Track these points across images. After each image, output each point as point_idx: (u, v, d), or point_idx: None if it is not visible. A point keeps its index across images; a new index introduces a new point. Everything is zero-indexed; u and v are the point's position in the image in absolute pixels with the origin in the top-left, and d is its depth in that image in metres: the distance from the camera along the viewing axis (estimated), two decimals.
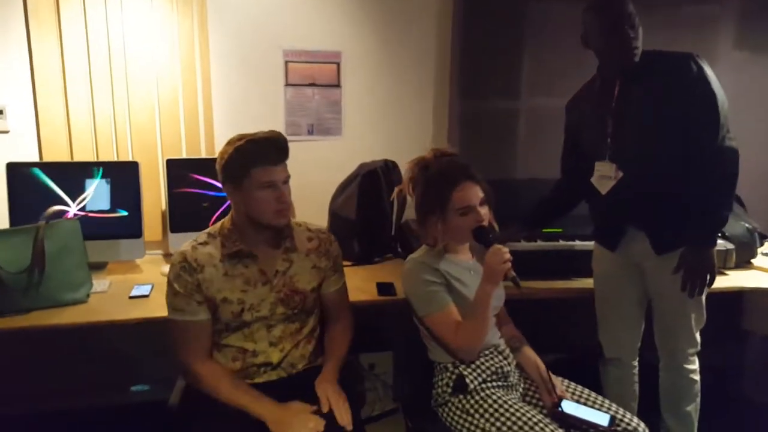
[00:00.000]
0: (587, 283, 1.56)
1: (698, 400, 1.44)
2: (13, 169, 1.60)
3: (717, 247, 1.29)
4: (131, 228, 1.68)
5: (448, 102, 2.07)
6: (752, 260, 1.79)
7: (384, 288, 1.53)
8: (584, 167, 1.41)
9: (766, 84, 2.15)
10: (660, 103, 1.26)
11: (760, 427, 1.84)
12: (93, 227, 1.61)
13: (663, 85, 1.25)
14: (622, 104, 1.31)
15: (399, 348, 1.69)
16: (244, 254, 1.15)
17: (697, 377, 1.42)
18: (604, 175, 1.35)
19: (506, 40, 2.04)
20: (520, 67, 2.07)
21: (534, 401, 1.22)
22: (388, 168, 1.87)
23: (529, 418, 1.07)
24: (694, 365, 1.42)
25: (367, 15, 1.98)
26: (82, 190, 1.65)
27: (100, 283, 1.52)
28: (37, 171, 1.62)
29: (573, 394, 1.21)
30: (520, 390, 1.23)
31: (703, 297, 1.35)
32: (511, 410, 1.09)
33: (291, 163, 1.16)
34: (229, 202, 1.17)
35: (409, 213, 1.93)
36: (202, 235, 1.17)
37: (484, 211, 1.17)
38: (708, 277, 1.27)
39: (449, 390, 1.17)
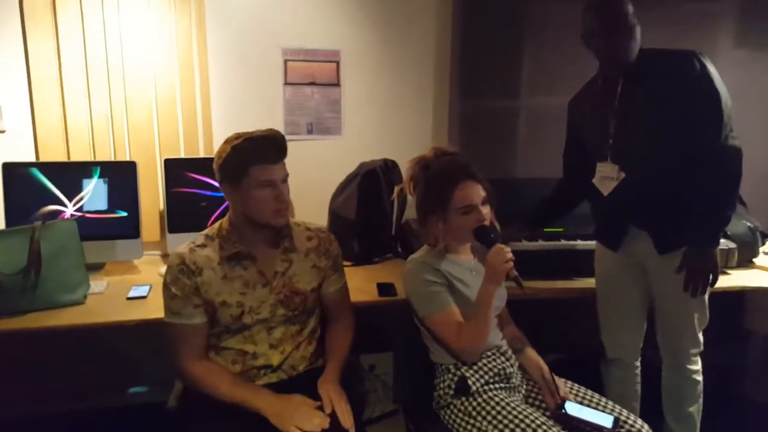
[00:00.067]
0: (589, 282, 1.55)
1: (701, 401, 1.43)
2: (9, 169, 1.59)
3: (719, 247, 1.28)
4: (129, 228, 1.67)
5: (448, 101, 2.06)
6: (754, 259, 1.78)
7: (384, 288, 1.52)
8: (586, 166, 1.40)
9: (767, 82, 2.15)
10: (663, 103, 1.25)
11: (762, 428, 1.83)
12: (90, 227, 1.60)
13: (666, 84, 1.24)
14: (624, 104, 1.30)
15: (399, 349, 1.68)
16: (243, 256, 1.13)
17: (699, 378, 1.41)
18: (606, 176, 1.34)
19: (506, 38, 2.03)
20: (520, 65, 2.07)
21: (537, 403, 1.20)
22: (388, 167, 1.86)
23: (532, 420, 1.06)
24: (697, 366, 1.41)
25: (367, 13, 1.97)
26: (79, 190, 1.64)
27: (98, 284, 1.51)
28: (35, 171, 1.60)
29: (576, 395, 1.20)
30: (523, 392, 1.22)
31: (706, 297, 1.34)
32: (514, 412, 1.08)
33: (290, 163, 1.15)
34: (227, 202, 1.16)
35: (410, 212, 1.92)
36: (199, 237, 1.16)
37: (486, 210, 1.16)
38: (711, 277, 1.26)
39: (451, 392, 1.16)
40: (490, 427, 1.08)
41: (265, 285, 1.15)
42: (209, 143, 1.87)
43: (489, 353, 1.18)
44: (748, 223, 1.77)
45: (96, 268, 1.65)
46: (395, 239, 1.90)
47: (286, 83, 1.94)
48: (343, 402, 1.08)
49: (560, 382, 1.20)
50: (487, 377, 1.15)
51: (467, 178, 1.15)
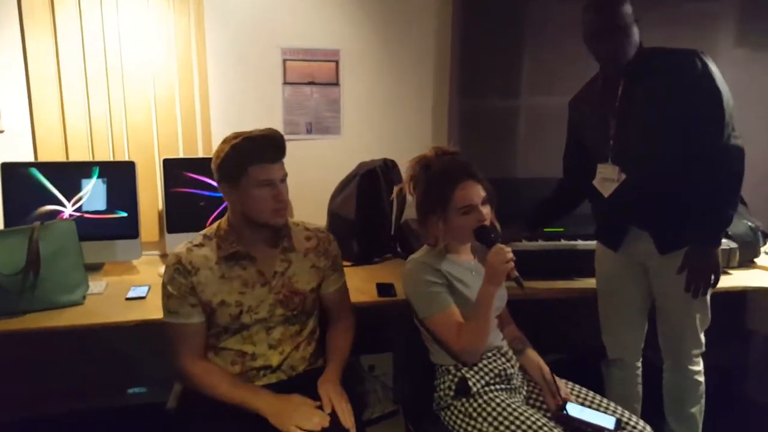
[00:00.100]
0: (589, 283, 1.55)
1: (703, 401, 1.42)
2: (9, 169, 1.58)
3: (720, 247, 1.27)
4: (128, 228, 1.66)
5: (448, 100, 2.05)
6: (755, 259, 1.77)
7: (384, 289, 1.51)
8: (587, 166, 1.40)
9: (767, 81, 2.14)
10: (664, 102, 1.24)
11: (764, 428, 1.83)
12: (89, 228, 1.60)
13: (667, 83, 1.23)
14: (625, 104, 1.29)
15: (399, 349, 1.67)
16: (241, 255, 1.13)
17: (701, 379, 1.41)
18: (607, 178, 1.34)
19: (506, 38, 2.03)
20: (520, 65, 2.06)
21: (538, 404, 1.20)
22: (388, 167, 1.86)
23: (534, 422, 1.05)
24: (699, 366, 1.40)
25: (366, 13, 1.96)
26: (78, 190, 1.63)
27: (97, 285, 1.50)
28: (34, 171, 1.59)
29: (577, 396, 1.19)
30: (524, 393, 1.21)
31: (708, 297, 1.34)
32: (515, 414, 1.07)
33: (289, 163, 1.14)
34: (226, 202, 1.15)
35: (409, 212, 1.92)
36: (197, 237, 1.15)
37: (486, 210, 1.15)
38: (712, 278, 1.25)
39: (452, 393, 1.15)
40: (491, 428, 1.08)
41: (264, 285, 1.14)
42: (208, 143, 1.86)
43: (489, 354, 1.18)
44: (749, 223, 1.77)
45: (95, 268, 1.64)
46: (395, 239, 1.90)
47: (285, 83, 1.94)
48: (343, 402, 1.08)
49: (561, 383, 1.20)
50: (487, 378, 1.15)
51: (468, 178, 1.14)
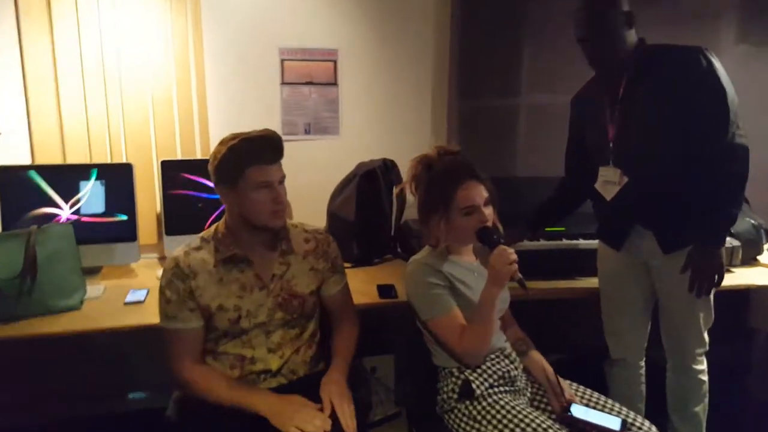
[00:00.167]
0: (592, 282, 1.54)
1: (706, 400, 1.41)
2: (6, 171, 1.57)
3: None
4: (126, 231, 1.65)
5: (447, 99, 2.04)
6: (758, 257, 1.77)
7: (384, 290, 1.50)
8: (588, 166, 1.39)
9: None
10: (667, 100, 1.23)
11: (764, 425, 1.82)
12: (86, 231, 1.58)
13: (670, 80, 1.22)
14: (626, 103, 1.28)
15: (401, 351, 1.66)
16: (239, 259, 1.11)
17: (705, 377, 1.40)
18: (609, 181, 1.33)
19: (505, 36, 2.01)
20: (519, 63, 2.05)
21: (542, 406, 1.19)
22: (387, 167, 1.84)
23: (538, 424, 1.04)
24: (702, 365, 1.39)
25: (365, 12, 1.95)
26: (76, 193, 1.62)
27: (95, 289, 1.49)
28: (33, 174, 1.58)
29: (582, 397, 1.18)
30: (528, 395, 1.20)
31: (711, 296, 1.33)
32: (520, 416, 1.06)
33: (287, 163, 1.13)
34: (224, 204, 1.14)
35: (409, 213, 1.90)
36: (195, 240, 1.14)
37: (489, 211, 1.14)
38: (716, 277, 1.24)
39: (455, 396, 1.14)
40: (496, 431, 1.07)
41: (263, 288, 1.13)
42: (206, 144, 1.84)
43: (493, 356, 1.17)
44: (752, 221, 1.76)
45: (93, 272, 1.63)
46: (395, 240, 1.89)
47: (283, 83, 1.92)
48: (345, 404, 1.05)
49: (565, 384, 1.19)
50: (491, 380, 1.13)
51: (470, 178, 1.13)
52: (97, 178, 1.63)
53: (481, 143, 2.05)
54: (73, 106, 1.71)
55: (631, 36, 1.25)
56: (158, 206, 1.80)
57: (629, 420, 1.12)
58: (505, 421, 1.06)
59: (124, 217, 1.64)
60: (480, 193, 1.13)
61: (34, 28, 1.65)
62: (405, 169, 1.40)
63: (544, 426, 1.03)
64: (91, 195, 1.62)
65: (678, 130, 1.22)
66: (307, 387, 1.10)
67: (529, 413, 1.07)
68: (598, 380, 1.44)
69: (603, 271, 1.48)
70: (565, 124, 1.49)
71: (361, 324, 1.27)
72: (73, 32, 1.67)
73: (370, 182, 1.79)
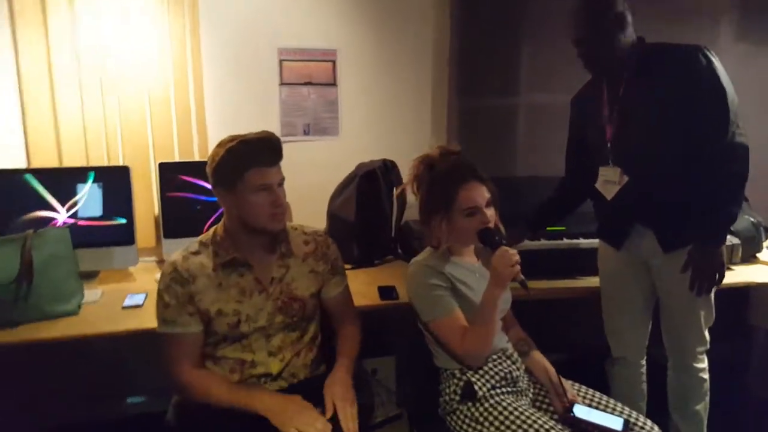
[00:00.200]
0: (592, 281, 1.54)
1: (707, 398, 1.41)
2: (1, 175, 1.55)
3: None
4: (123, 235, 1.63)
5: (447, 99, 2.03)
6: (758, 254, 1.77)
7: (385, 291, 1.49)
8: (588, 166, 1.38)
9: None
10: (666, 99, 1.22)
11: (765, 422, 1.82)
12: (84, 234, 1.56)
13: (670, 79, 1.22)
14: (626, 103, 1.28)
15: (402, 353, 1.65)
16: (239, 263, 1.10)
17: (706, 376, 1.40)
18: (609, 180, 1.33)
19: (504, 35, 2.01)
20: (519, 63, 2.05)
21: (545, 406, 1.18)
22: (387, 168, 1.84)
23: (541, 425, 1.04)
24: (703, 364, 1.40)
25: (363, 11, 1.94)
26: (73, 196, 1.60)
27: (92, 293, 1.47)
28: (29, 177, 1.56)
29: (584, 398, 1.18)
30: (530, 395, 1.20)
31: (712, 295, 1.33)
32: (522, 417, 1.06)
33: (287, 165, 1.12)
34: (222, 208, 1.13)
35: (410, 214, 1.90)
36: (193, 244, 1.13)
37: (491, 212, 1.13)
38: (717, 276, 1.24)
39: (457, 398, 1.13)
40: None
41: (262, 292, 1.12)
42: (204, 146, 1.83)
43: (495, 357, 1.16)
44: (752, 219, 1.76)
45: (90, 276, 1.61)
46: (395, 241, 1.88)
47: (282, 83, 1.91)
48: (347, 405, 1.04)
49: (567, 384, 1.18)
50: (493, 381, 1.13)
51: (473, 179, 1.12)
52: (94, 181, 1.61)
53: (481, 143, 2.04)
54: (69, 108, 1.69)
55: (628, 35, 1.25)
56: (156, 209, 1.78)
57: (631, 420, 1.11)
58: (507, 423, 1.06)
59: (123, 221, 1.63)
60: (482, 194, 1.12)
61: (29, 29, 1.63)
62: (405, 170, 1.40)
63: (546, 427, 1.03)
64: (89, 198, 1.61)
65: (678, 130, 1.22)
66: (308, 390, 1.09)
67: (532, 414, 1.07)
68: (599, 379, 1.44)
69: (603, 270, 1.48)
70: (564, 124, 1.49)
71: (362, 325, 1.26)
72: (69, 33, 1.66)
73: (371, 183, 1.79)
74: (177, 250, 1.13)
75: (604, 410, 1.14)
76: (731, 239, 1.68)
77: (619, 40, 1.24)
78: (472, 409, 1.11)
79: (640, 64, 1.25)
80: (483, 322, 1.09)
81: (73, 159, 1.71)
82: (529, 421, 1.05)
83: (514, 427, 1.05)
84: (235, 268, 1.10)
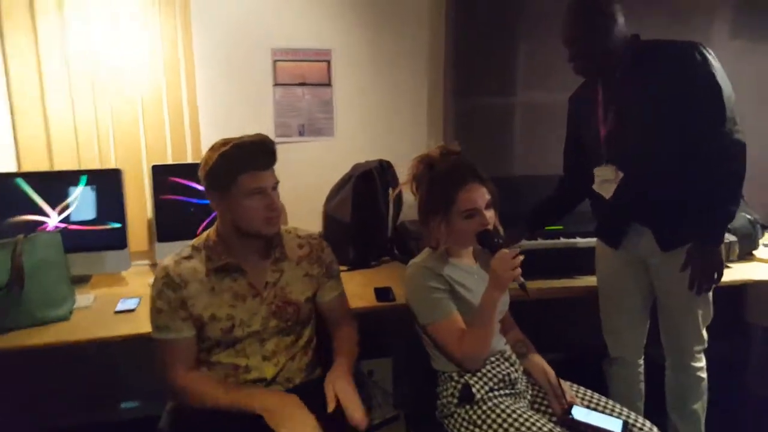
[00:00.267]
0: (590, 281, 1.53)
1: (705, 397, 1.41)
2: None
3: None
4: (116, 239, 1.61)
5: (443, 99, 2.02)
6: (754, 252, 1.77)
7: (382, 293, 1.48)
8: (586, 165, 1.38)
9: (764, 73, 2.13)
10: (662, 96, 1.21)
11: (763, 420, 1.82)
12: (75, 239, 1.55)
13: (664, 76, 1.21)
14: (621, 102, 1.27)
15: (398, 354, 1.64)
16: (232, 268, 1.09)
17: (704, 375, 1.39)
18: (605, 179, 1.32)
19: (500, 34, 2.00)
20: (515, 62, 2.04)
21: (543, 408, 1.17)
22: (383, 168, 1.82)
23: (540, 427, 1.03)
24: (701, 363, 1.39)
25: (358, 10, 1.93)
26: (64, 200, 1.58)
27: (84, 298, 1.45)
28: (20, 181, 1.53)
29: (582, 399, 1.17)
30: (528, 397, 1.19)
31: (710, 293, 1.32)
32: (521, 419, 1.05)
33: (282, 166, 1.11)
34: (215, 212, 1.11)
35: (406, 214, 1.89)
36: (186, 249, 1.11)
37: (490, 214, 1.12)
38: (716, 275, 1.23)
39: (455, 400, 1.12)
40: None
41: (256, 296, 1.10)
42: (197, 148, 1.81)
43: (493, 359, 1.15)
44: (748, 216, 1.76)
45: (82, 280, 1.59)
46: (392, 242, 1.87)
47: (276, 84, 1.89)
48: (351, 393, 1.02)
49: (566, 386, 1.17)
50: (491, 384, 1.12)
51: (473, 180, 1.11)
52: (86, 185, 1.59)
53: (478, 143, 2.03)
54: (59, 111, 1.67)
55: (622, 32, 1.24)
56: (149, 212, 1.76)
57: (630, 421, 1.11)
58: (505, 425, 1.05)
59: (117, 225, 1.60)
60: (482, 195, 1.11)
61: (17, 30, 1.60)
62: (401, 170, 1.38)
63: (544, 429, 1.02)
64: (81, 202, 1.59)
65: (673, 128, 1.21)
66: (304, 394, 1.07)
67: (530, 417, 1.06)
68: (597, 379, 1.44)
69: (601, 269, 1.48)
70: (561, 122, 1.48)
71: (359, 328, 1.25)
72: (58, 34, 1.63)
73: (367, 183, 1.77)
74: (170, 253, 1.11)
75: (602, 412, 1.13)
76: (728, 237, 1.67)
77: (613, 38, 1.23)
78: (470, 412, 1.10)
79: (635, 61, 1.24)
80: (481, 324, 1.08)
81: (64, 162, 1.69)
82: (527, 424, 1.04)
83: (512, 430, 1.04)
84: (228, 273, 1.09)
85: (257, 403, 0.99)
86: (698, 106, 1.19)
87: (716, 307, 1.35)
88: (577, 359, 1.59)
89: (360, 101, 1.98)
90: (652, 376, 1.48)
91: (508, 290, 1.17)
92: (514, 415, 1.06)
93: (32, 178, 1.56)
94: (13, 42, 1.61)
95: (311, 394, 1.07)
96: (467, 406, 1.11)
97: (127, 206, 1.64)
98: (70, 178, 1.59)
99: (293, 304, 1.13)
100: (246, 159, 1.03)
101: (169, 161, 1.78)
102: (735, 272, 1.62)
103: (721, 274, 1.24)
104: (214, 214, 1.63)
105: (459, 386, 1.12)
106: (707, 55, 1.18)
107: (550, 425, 1.04)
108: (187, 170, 1.67)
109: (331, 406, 0.99)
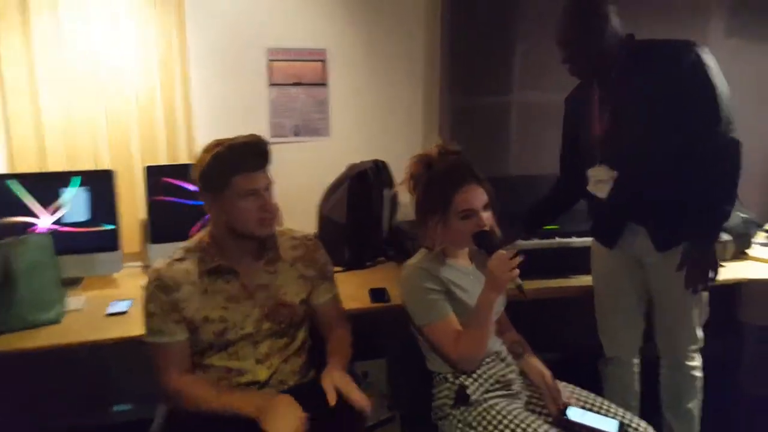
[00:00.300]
0: (585, 280, 1.53)
1: (700, 396, 1.41)
2: None
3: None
4: (108, 240, 1.60)
5: (438, 98, 2.02)
6: (748, 251, 1.78)
7: (377, 294, 1.48)
8: (582, 165, 1.37)
9: (760, 72, 2.14)
10: (657, 96, 1.22)
11: (757, 420, 1.83)
12: (67, 241, 1.53)
13: (659, 75, 1.21)
14: (616, 102, 1.27)
15: (393, 355, 1.64)
16: (225, 270, 1.08)
17: (699, 374, 1.40)
18: (600, 180, 1.32)
19: (496, 33, 1.99)
20: (511, 61, 2.03)
21: (538, 409, 1.17)
22: (379, 169, 1.82)
23: (535, 429, 1.02)
24: (696, 362, 1.39)
25: (353, 10, 1.92)
26: (56, 201, 1.56)
27: (75, 301, 1.44)
28: (12, 183, 1.51)
29: (578, 400, 1.17)
30: (524, 398, 1.18)
31: (705, 292, 1.33)
32: (516, 421, 1.05)
33: (277, 166, 1.10)
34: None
35: (401, 215, 1.88)
36: (178, 251, 1.10)
37: (487, 215, 1.12)
38: (712, 274, 1.24)
39: (450, 402, 1.12)
40: None
41: (249, 299, 1.10)
42: (192, 149, 1.79)
43: (488, 360, 1.15)
44: (742, 215, 1.77)
45: (73, 283, 1.57)
46: (387, 242, 1.86)
47: (271, 84, 1.88)
48: (349, 381, 1.02)
49: (562, 386, 1.17)
50: (487, 385, 1.12)
51: (471, 181, 1.10)
52: (78, 186, 1.57)
53: (473, 142, 2.02)
54: (52, 111, 1.65)
55: (616, 32, 1.24)
56: (142, 213, 1.74)
57: (625, 421, 1.11)
58: (501, 427, 1.05)
59: (111, 227, 1.59)
60: (479, 196, 1.11)
61: (10, 29, 1.58)
62: (396, 171, 1.37)
63: (540, 431, 1.02)
64: (74, 203, 1.57)
65: (668, 127, 1.21)
66: (297, 397, 1.06)
67: (525, 418, 1.06)
68: (592, 379, 1.44)
69: (596, 269, 1.48)
70: (557, 122, 1.48)
71: (353, 328, 1.24)
72: (52, 34, 1.61)
73: (362, 184, 1.77)
74: (164, 255, 1.10)
75: (598, 412, 1.13)
76: (723, 236, 1.68)
77: (608, 39, 1.23)
78: (465, 414, 1.10)
79: (630, 61, 1.24)
80: (478, 325, 1.08)
81: (57, 163, 1.67)
82: (522, 425, 1.03)
83: (507, 431, 1.04)
84: (221, 275, 1.08)
85: (251, 405, 0.99)
86: (693, 105, 1.19)
87: (710, 305, 1.36)
88: (572, 359, 1.59)
89: (355, 101, 1.97)
90: (648, 375, 1.48)
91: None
92: (510, 417, 1.06)
93: (24, 179, 1.54)
94: (5, 42, 1.59)
95: (305, 396, 1.06)
96: (462, 408, 1.11)
97: (120, 207, 1.62)
98: (62, 179, 1.57)
99: (287, 306, 1.13)
100: (239, 160, 1.02)
101: (163, 162, 1.76)
102: (729, 271, 1.63)
103: (716, 273, 1.24)
104: (208, 216, 1.63)
105: (454, 388, 1.12)
106: (702, 54, 1.18)
107: (546, 426, 1.04)
108: (182, 171, 1.66)
109: (332, 401, 0.99)
